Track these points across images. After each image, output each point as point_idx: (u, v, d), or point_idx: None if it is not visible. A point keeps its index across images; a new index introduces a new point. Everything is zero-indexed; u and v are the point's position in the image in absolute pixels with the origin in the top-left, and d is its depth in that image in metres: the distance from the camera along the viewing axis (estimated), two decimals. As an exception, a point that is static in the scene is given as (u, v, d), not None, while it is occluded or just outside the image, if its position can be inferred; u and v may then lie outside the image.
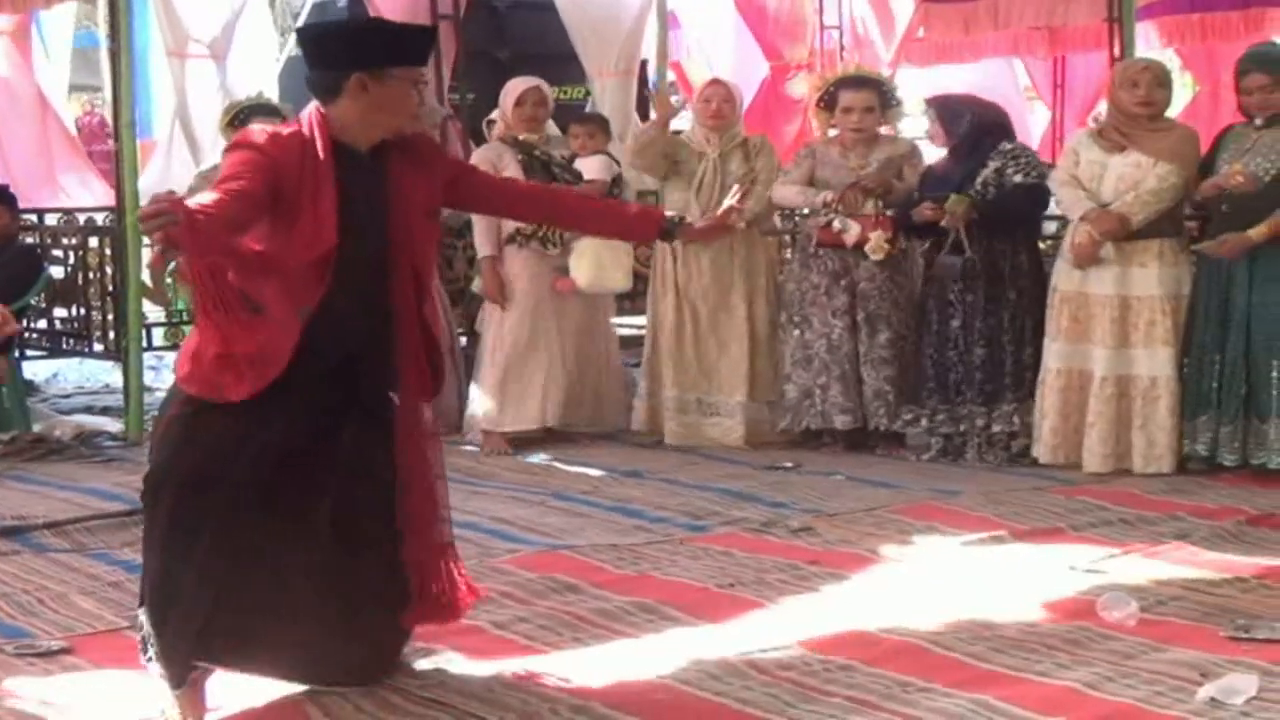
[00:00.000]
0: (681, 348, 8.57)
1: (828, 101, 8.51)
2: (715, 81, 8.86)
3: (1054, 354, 7.71)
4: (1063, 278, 7.71)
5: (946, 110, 8.10)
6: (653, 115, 9.43)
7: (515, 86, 8.64)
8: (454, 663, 4.86)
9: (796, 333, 8.38)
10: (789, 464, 8.08)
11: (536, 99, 8.55)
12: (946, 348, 7.97)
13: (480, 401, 8.57)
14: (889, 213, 8.15)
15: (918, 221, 7.97)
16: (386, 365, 4.53)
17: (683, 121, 12.86)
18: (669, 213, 4.90)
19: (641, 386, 8.85)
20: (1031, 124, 14.49)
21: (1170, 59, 13.85)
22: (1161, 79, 7.71)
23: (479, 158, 8.42)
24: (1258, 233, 7.18)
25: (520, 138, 8.47)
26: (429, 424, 4.71)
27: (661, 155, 8.48)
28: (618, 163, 8.86)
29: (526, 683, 4.67)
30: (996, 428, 7.92)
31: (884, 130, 8.48)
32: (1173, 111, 13.13)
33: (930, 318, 8.04)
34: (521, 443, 8.51)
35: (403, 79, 4.44)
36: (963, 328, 7.93)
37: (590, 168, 8.60)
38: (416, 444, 4.62)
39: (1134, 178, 7.50)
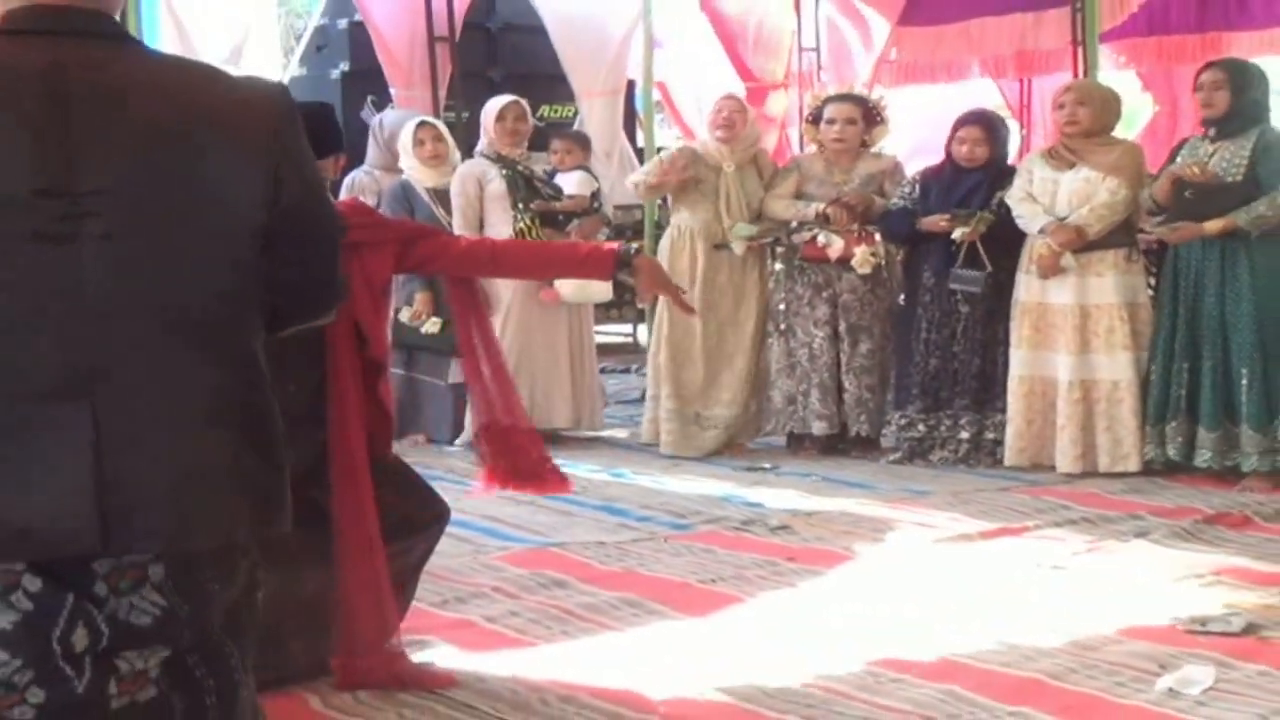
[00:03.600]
0: (685, 363, 8.45)
1: (815, 117, 8.51)
2: (729, 95, 8.80)
3: (1017, 362, 7.72)
4: (1023, 290, 7.72)
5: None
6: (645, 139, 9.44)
7: (496, 103, 8.62)
8: (447, 655, 4.85)
9: (781, 341, 8.37)
10: (767, 465, 8.09)
11: (517, 114, 8.53)
12: (932, 355, 7.96)
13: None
14: (871, 228, 8.14)
15: (925, 230, 7.92)
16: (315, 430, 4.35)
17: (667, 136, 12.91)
18: (620, 247, 4.66)
19: (649, 398, 8.76)
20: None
21: (1131, 80, 13.88)
22: (1084, 98, 7.76)
23: (464, 173, 8.41)
24: (1212, 226, 7.20)
25: (502, 153, 8.44)
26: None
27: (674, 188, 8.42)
28: (596, 177, 8.85)
29: (516, 673, 4.66)
30: (989, 434, 7.92)
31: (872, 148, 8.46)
32: (1133, 129, 13.26)
33: (919, 325, 8.01)
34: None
35: None
36: (964, 336, 7.94)
37: (571, 183, 8.59)
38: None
39: (1085, 192, 7.54)
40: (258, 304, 2.51)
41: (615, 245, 4.59)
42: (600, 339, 12.75)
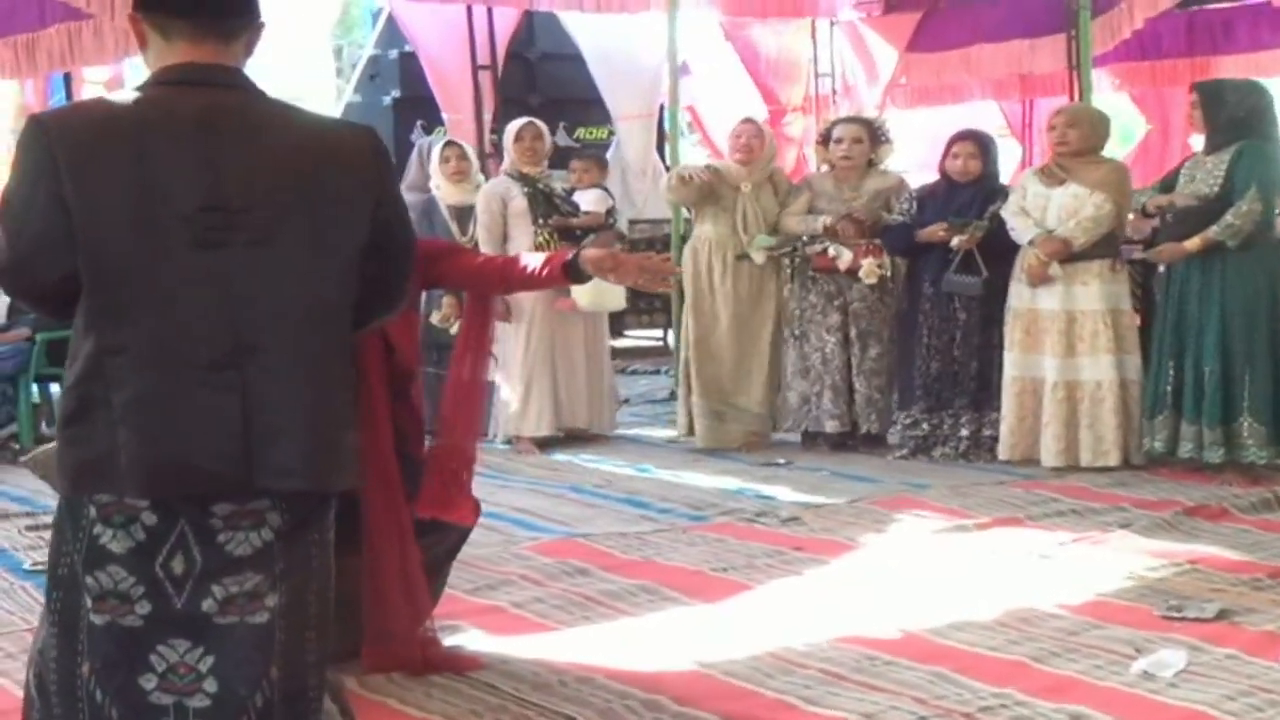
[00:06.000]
0: (709, 363, 8.41)
1: (825, 138, 8.47)
2: (747, 120, 8.66)
3: (1010, 364, 7.67)
4: (1015, 297, 7.67)
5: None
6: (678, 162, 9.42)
7: (514, 125, 8.61)
8: (476, 639, 4.84)
9: (796, 346, 8.34)
10: (781, 461, 8.05)
11: (533, 134, 8.48)
12: (933, 359, 7.92)
13: (507, 408, 8.54)
14: (877, 241, 8.10)
15: (923, 241, 7.87)
16: None
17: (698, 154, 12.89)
18: (569, 255, 4.53)
19: (680, 397, 8.71)
20: (1004, 160, 14.46)
21: (1126, 101, 13.82)
22: (1074, 120, 7.71)
23: (489, 191, 8.39)
24: (1192, 244, 7.17)
25: (524, 171, 8.40)
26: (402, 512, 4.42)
27: (698, 196, 8.36)
28: (611, 195, 8.82)
29: (539, 656, 4.63)
30: (987, 432, 7.87)
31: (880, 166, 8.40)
32: (1126, 147, 13.18)
33: (921, 331, 7.96)
34: (544, 442, 8.48)
35: None
36: (962, 341, 7.89)
37: (587, 200, 8.56)
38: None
39: (1073, 207, 7.50)
40: (353, 300, 2.88)
41: (563, 255, 4.48)
42: (632, 343, 12.82)
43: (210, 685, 2.83)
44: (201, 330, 2.74)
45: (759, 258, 8.27)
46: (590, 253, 4.42)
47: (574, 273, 4.37)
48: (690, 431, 8.53)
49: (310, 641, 2.93)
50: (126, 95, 2.86)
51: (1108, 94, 12.72)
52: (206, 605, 2.81)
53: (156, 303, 2.73)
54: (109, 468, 2.74)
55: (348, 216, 2.86)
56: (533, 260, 4.49)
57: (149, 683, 2.82)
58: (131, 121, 2.77)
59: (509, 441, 8.54)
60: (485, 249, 8.12)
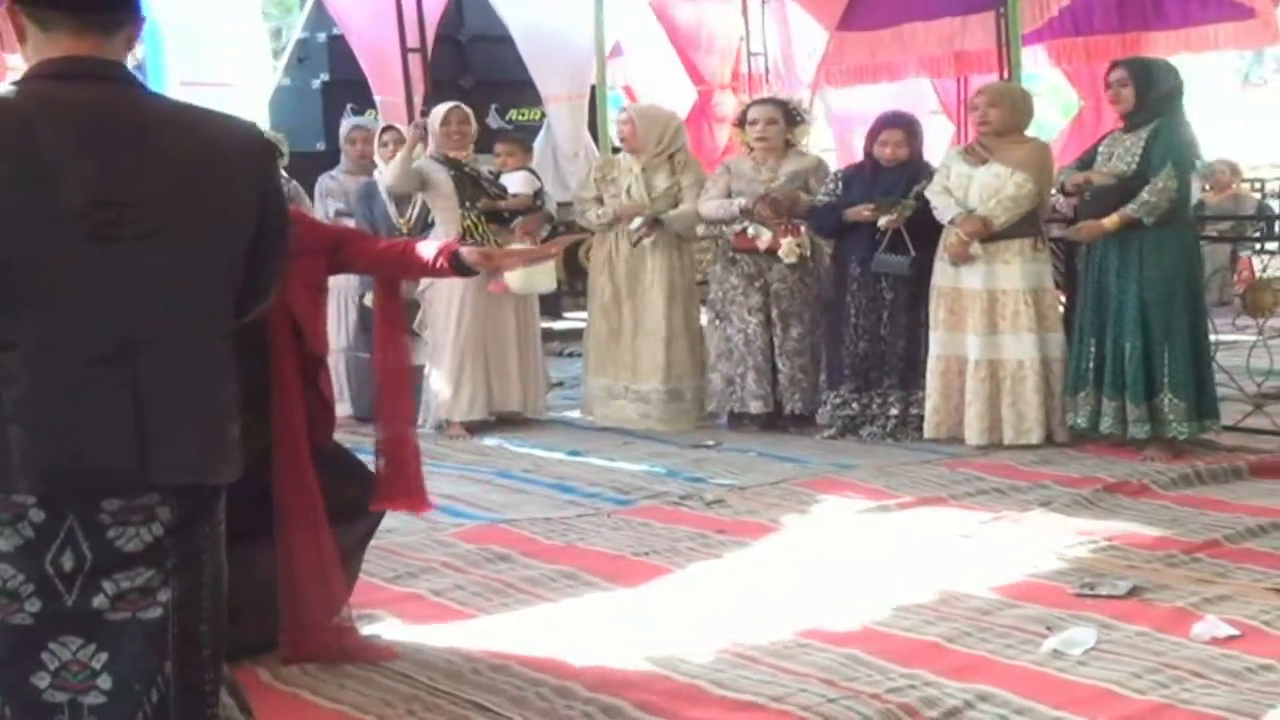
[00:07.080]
0: (608, 342, 8.55)
1: (741, 120, 8.51)
2: (623, 109, 8.84)
3: (934, 342, 7.74)
4: (939, 275, 7.73)
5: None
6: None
7: (440, 109, 8.57)
8: (394, 627, 4.84)
9: (719, 328, 8.37)
10: (710, 443, 8.07)
11: (459, 118, 8.45)
12: (861, 339, 7.95)
13: (437, 393, 8.52)
14: (796, 221, 8.13)
15: (850, 221, 7.89)
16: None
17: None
18: (459, 249, 4.68)
19: (583, 378, 8.82)
20: (937, 138, 14.51)
21: (1060, 77, 13.89)
22: (996, 99, 7.77)
23: (413, 169, 8.33)
24: (1110, 221, 7.23)
25: (449, 154, 8.38)
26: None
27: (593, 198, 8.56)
28: (538, 177, 8.82)
29: (455, 644, 4.64)
30: (915, 411, 7.91)
31: (799, 146, 8.45)
32: (1060, 124, 13.23)
33: (848, 312, 7.99)
34: (475, 426, 8.47)
35: None
36: (890, 321, 7.93)
37: (514, 183, 8.54)
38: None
39: (995, 186, 7.56)
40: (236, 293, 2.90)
41: (454, 247, 4.59)
42: (566, 325, 12.80)
43: (104, 682, 2.82)
44: (93, 325, 2.73)
45: (633, 239, 8.35)
46: (468, 251, 4.53)
47: (460, 266, 4.46)
48: (586, 412, 8.67)
49: (205, 635, 2.92)
50: (7, 89, 2.83)
51: (1046, 70, 12.78)
52: (98, 602, 2.79)
53: (47, 298, 2.71)
54: None
55: (236, 211, 2.87)
56: (428, 250, 4.60)
57: (42, 681, 2.80)
58: (16, 114, 2.73)
59: (439, 427, 8.51)
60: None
